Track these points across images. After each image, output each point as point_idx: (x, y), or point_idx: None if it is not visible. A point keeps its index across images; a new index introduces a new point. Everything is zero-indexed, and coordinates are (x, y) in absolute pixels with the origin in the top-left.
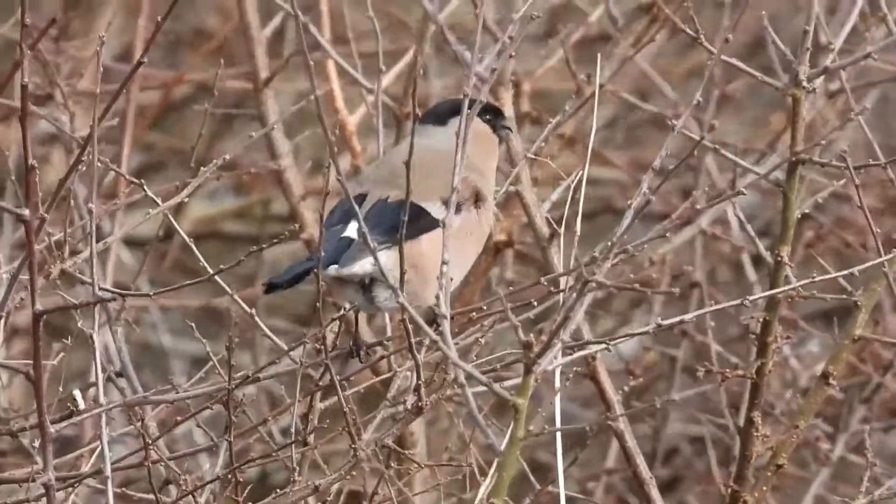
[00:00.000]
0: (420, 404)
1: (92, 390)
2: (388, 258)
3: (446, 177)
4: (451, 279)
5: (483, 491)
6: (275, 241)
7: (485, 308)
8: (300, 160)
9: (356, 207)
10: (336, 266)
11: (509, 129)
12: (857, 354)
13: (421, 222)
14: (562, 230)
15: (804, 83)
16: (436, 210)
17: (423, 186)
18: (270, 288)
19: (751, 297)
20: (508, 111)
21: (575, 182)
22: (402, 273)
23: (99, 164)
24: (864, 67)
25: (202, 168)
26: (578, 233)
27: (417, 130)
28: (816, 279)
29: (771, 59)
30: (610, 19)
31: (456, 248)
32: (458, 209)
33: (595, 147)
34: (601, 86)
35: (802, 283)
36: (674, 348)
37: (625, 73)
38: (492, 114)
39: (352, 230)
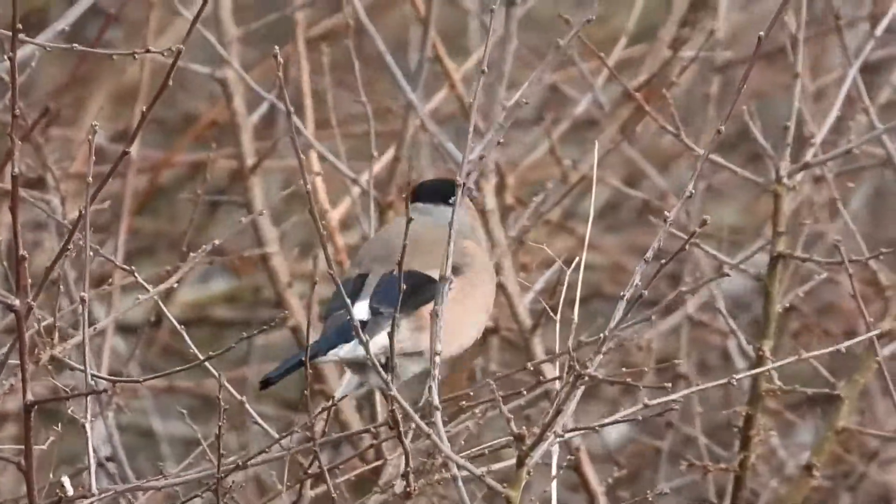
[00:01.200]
0: (409, 490)
1: (83, 475)
2: (399, 332)
3: (445, 248)
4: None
5: None
6: (263, 328)
7: (471, 394)
8: (286, 246)
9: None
10: (344, 351)
11: (472, 189)
12: (843, 444)
13: (428, 290)
14: (557, 315)
15: (784, 179)
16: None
17: (428, 258)
18: (265, 384)
19: (737, 377)
20: (491, 201)
21: (565, 267)
22: (391, 362)
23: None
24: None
25: (191, 253)
26: (576, 320)
27: (413, 209)
28: (789, 360)
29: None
30: (596, 105)
31: (467, 307)
32: (460, 273)
33: (582, 232)
34: (583, 177)
35: (779, 363)
36: (659, 439)
37: (618, 155)
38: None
39: (359, 310)
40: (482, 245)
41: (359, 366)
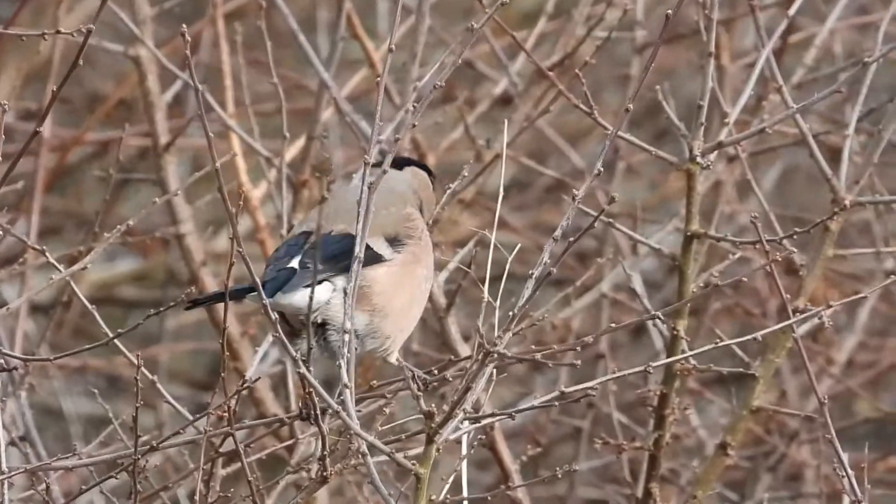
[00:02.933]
0: (325, 474)
1: None
2: (331, 293)
3: (390, 213)
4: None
5: None
6: (172, 304)
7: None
8: (200, 224)
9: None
10: (280, 293)
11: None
12: (763, 424)
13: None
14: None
15: (698, 158)
16: (379, 246)
17: (370, 223)
18: (192, 305)
19: (654, 364)
20: None
21: (476, 247)
22: (307, 326)
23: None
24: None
25: (105, 234)
26: (487, 299)
27: (371, 174)
28: (707, 348)
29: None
30: (509, 83)
31: (409, 283)
32: (399, 245)
33: (492, 210)
34: (497, 155)
35: (695, 352)
36: (577, 417)
37: (527, 133)
38: (425, 169)
39: (295, 262)
40: (430, 189)
41: (294, 330)
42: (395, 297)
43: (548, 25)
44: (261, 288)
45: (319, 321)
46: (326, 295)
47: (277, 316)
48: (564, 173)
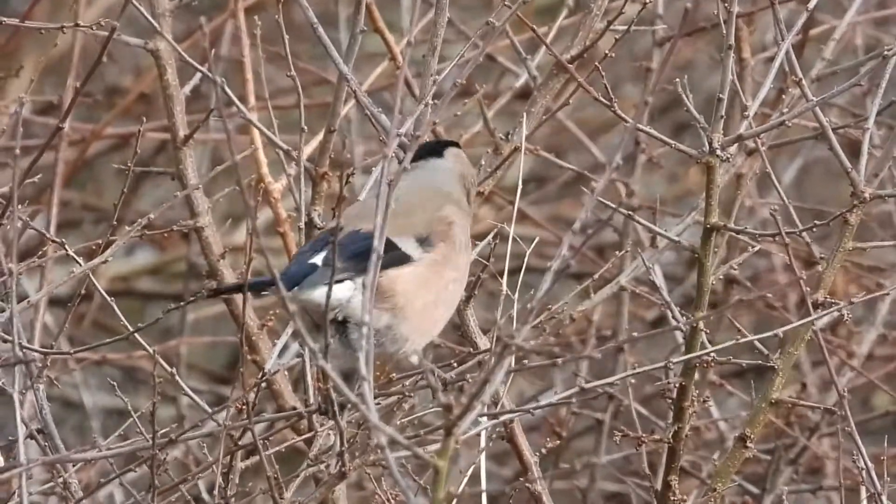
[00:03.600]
0: (343, 469)
1: (14, 447)
2: (353, 291)
3: (426, 212)
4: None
5: None
6: (192, 298)
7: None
8: (218, 217)
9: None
10: (298, 288)
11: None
12: (784, 417)
13: (388, 256)
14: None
15: (718, 151)
16: (407, 246)
17: (400, 222)
18: (214, 293)
19: (674, 360)
20: None
21: (495, 240)
22: (325, 322)
23: (18, 223)
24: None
25: (124, 227)
26: (505, 291)
27: (413, 166)
28: (727, 344)
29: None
30: (529, 77)
31: (434, 285)
32: (429, 246)
33: (513, 203)
34: (516, 148)
35: (716, 348)
36: (598, 410)
37: (545, 127)
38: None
39: (318, 258)
40: (466, 214)
41: (314, 325)
42: (417, 297)
43: (567, 20)
44: (279, 282)
45: (340, 318)
46: (347, 293)
47: (297, 309)
48: (584, 166)
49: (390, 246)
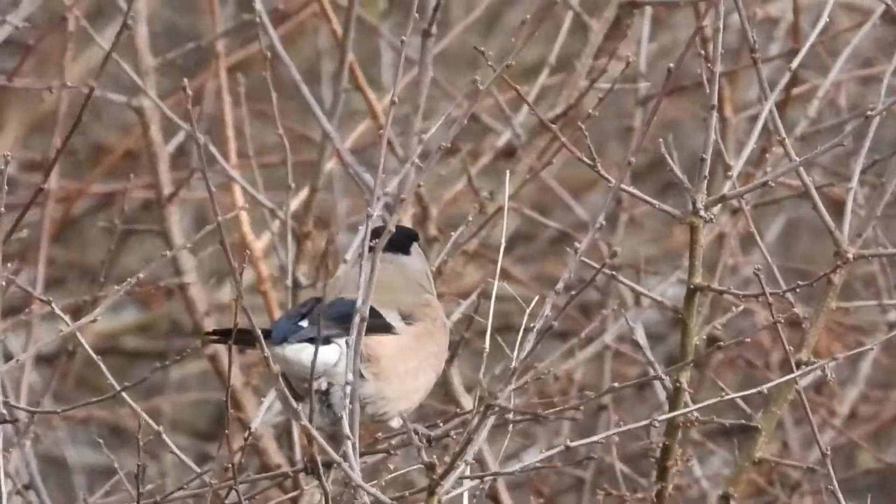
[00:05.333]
0: None
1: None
2: (339, 354)
3: (408, 295)
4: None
5: None
6: (176, 359)
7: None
8: (203, 274)
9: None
10: (286, 343)
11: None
12: (766, 475)
13: (373, 321)
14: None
15: (702, 212)
16: (392, 318)
17: (385, 297)
18: (212, 335)
19: (658, 419)
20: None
21: (479, 298)
22: (311, 381)
23: (3, 281)
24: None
25: (110, 285)
26: (487, 350)
27: (383, 258)
28: (711, 402)
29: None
30: (513, 135)
31: (418, 353)
32: (412, 321)
33: (496, 262)
34: (500, 207)
35: (699, 406)
36: (581, 468)
37: (530, 186)
38: (417, 240)
39: (304, 322)
40: (439, 305)
41: (290, 384)
42: (400, 363)
43: (551, 78)
44: (261, 337)
45: (325, 387)
46: (334, 356)
47: (279, 370)
48: (568, 225)
49: (376, 315)
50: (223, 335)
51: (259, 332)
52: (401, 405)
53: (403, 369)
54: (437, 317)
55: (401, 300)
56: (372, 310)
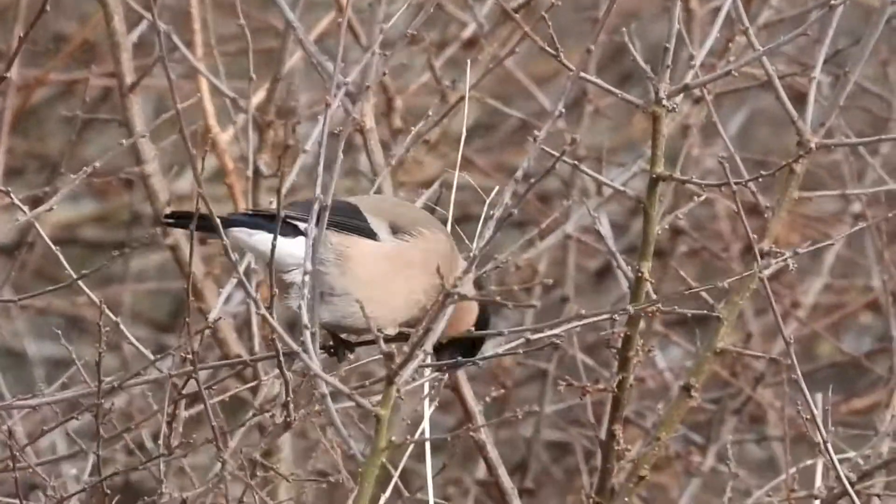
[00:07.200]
0: (288, 420)
1: None
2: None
3: (407, 218)
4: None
5: (350, 501)
6: (135, 245)
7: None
8: (164, 165)
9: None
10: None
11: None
12: (729, 367)
13: (355, 222)
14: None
15: (664, 101)
16: (379, 228)
17: (381, 207)
18: (170, 218)
19: (621, 310)
20: (370, 122)
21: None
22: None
23: None
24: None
25: (71, 175)
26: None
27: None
28: (670, 294)
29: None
30: (476, 25)
31: (395, 262)
32: (403, 235)
33: (457, 151)
34: (462, 97)
35: (661, 298)
36: (542, 359)
37: (493, 76)
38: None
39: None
40: (455, 257)
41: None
42: (374, 265)
43: None
44: (220, 224)
45: (298, 280)
46: (302, 250)
47: (237, 255)
48: (530, 114)
49: (361, 218)
50: (182, 218)
51: (217, 220)
52: (378, 311)
53: (377, 272)
54: (436, 249)
55: (399, 218)
56: (361, 216)
